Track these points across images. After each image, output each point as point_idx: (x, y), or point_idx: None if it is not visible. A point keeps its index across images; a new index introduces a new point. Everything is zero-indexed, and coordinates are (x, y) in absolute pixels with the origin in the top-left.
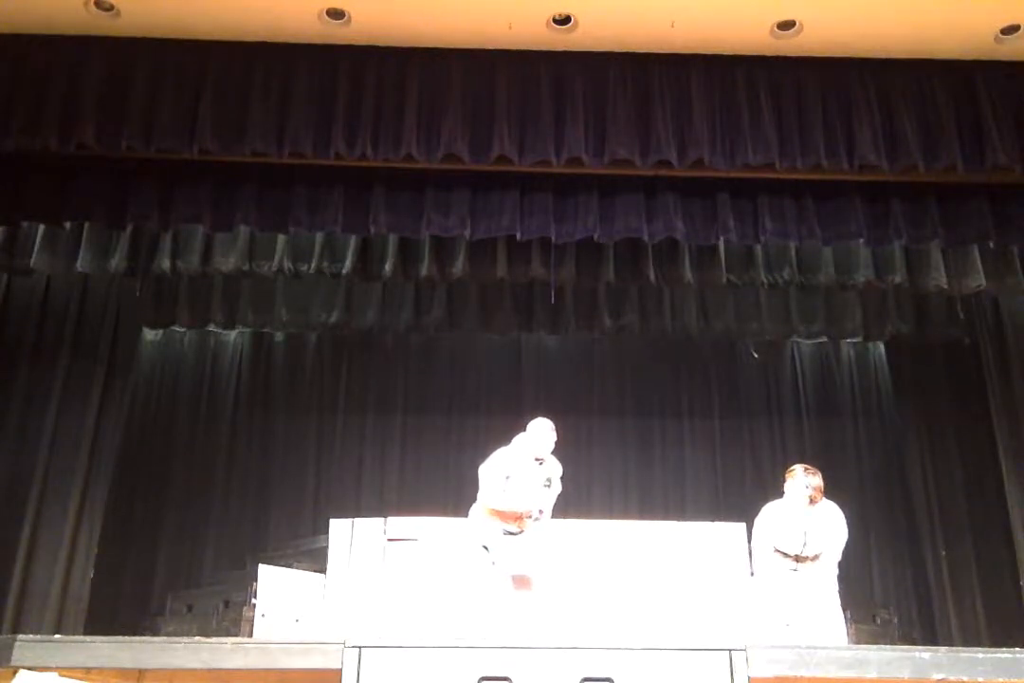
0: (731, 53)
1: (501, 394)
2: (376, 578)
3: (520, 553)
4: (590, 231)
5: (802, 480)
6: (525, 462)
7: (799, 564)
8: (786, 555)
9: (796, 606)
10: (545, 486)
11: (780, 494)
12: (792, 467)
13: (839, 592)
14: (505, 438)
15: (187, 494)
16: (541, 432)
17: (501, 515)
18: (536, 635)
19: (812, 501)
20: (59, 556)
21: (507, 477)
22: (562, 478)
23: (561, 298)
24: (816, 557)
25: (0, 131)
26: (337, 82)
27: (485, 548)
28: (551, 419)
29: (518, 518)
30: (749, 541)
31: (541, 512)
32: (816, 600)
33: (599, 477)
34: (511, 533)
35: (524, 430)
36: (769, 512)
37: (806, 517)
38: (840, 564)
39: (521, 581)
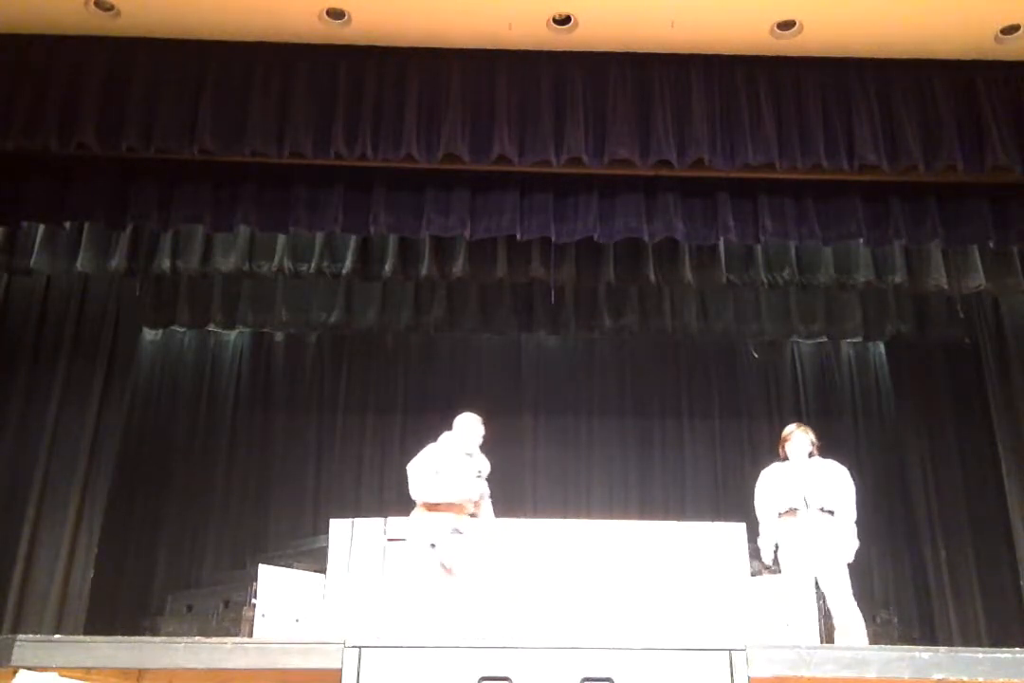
0: (731, 53)
1: (501, 394)
2: (376, 578)
3: (466, 551)
4: (590, 231)
5: (803, 437)
6: (454, 456)
7: (804, 521)
8: (790, 513)
9: (803, 563)
10: (477, 477)
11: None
12: (786, 431)
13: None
14: (506, 438)
15: (187, 494)
16: (470, 426)
17: (440, 509)
18: (536, 635)
19: (812, 454)
20: (59, 556)
21: (436, 472)
22: (560, 478)
23: (561, 298)
24: (828, 512)
25: (0, 131)
26: (337, 82)
27: (432, 546)
28: (551, 419)
29: (460, 511)
30: (749, 541)
31: (477, 503)
32: (827, 557)
33: (599, 477)
34: (458, 531)
35: (451, 428)
36: (767, 475)
37: (804, 473)
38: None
39: (468, 578)
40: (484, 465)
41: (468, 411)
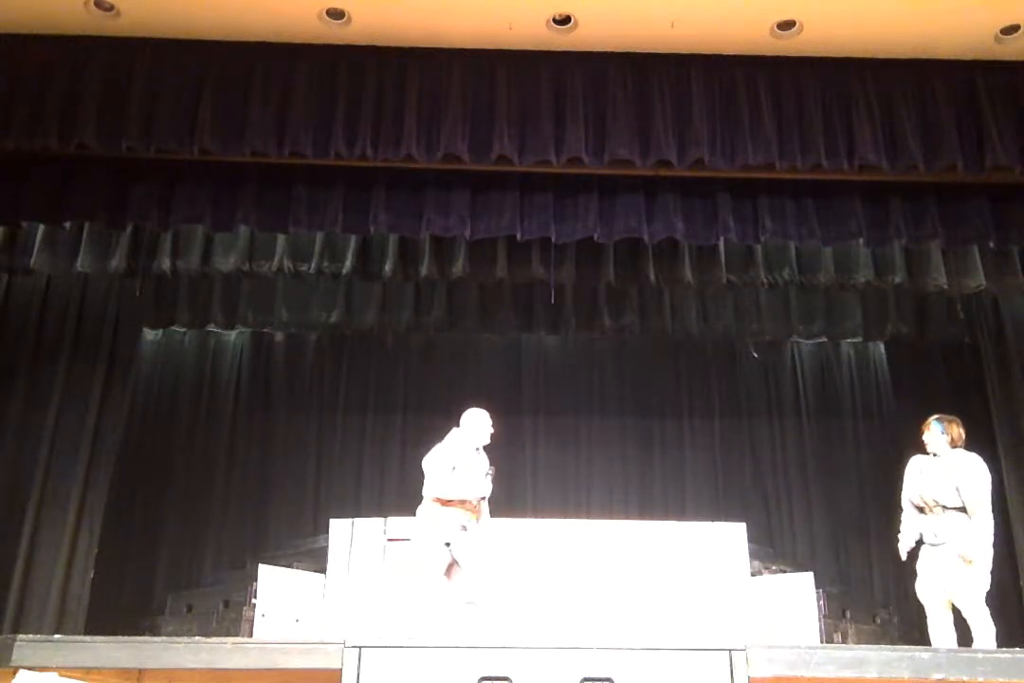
0: (731, 53)
1: (501, 394)
2: (376, 578)
3: (476, 548)
4: (590, 231)
5: (936, 428)
6: (468, 452)
7: (930, 515)
8: (924, 509)
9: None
10: (488, 474)
11: (778, 493)
12: (928, 420)
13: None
14: (506, 438)
15: (187, 494)
16: (482, 422)
17: (452, 505)
18: (536, 635)
19: (953, 444)
20: (59, 556)
21: (453, 468)
22: (560, 478)
23: (561, 298)
24: (954, 509)
25: (0, 131)
26: (337, 82)
27: (447, 544)
28: (551, 419)
29: (471, 508)
30: (749, 540)
31: (483, 499)
32: (949, 558)
33: (599, 477)
34: (465, 528)
35: (458, 424)
36: (909, 466)
37: (937, 467)
38: (842, 564)
39: (476, 576)
40: (490, 467)
41: (475, 407)
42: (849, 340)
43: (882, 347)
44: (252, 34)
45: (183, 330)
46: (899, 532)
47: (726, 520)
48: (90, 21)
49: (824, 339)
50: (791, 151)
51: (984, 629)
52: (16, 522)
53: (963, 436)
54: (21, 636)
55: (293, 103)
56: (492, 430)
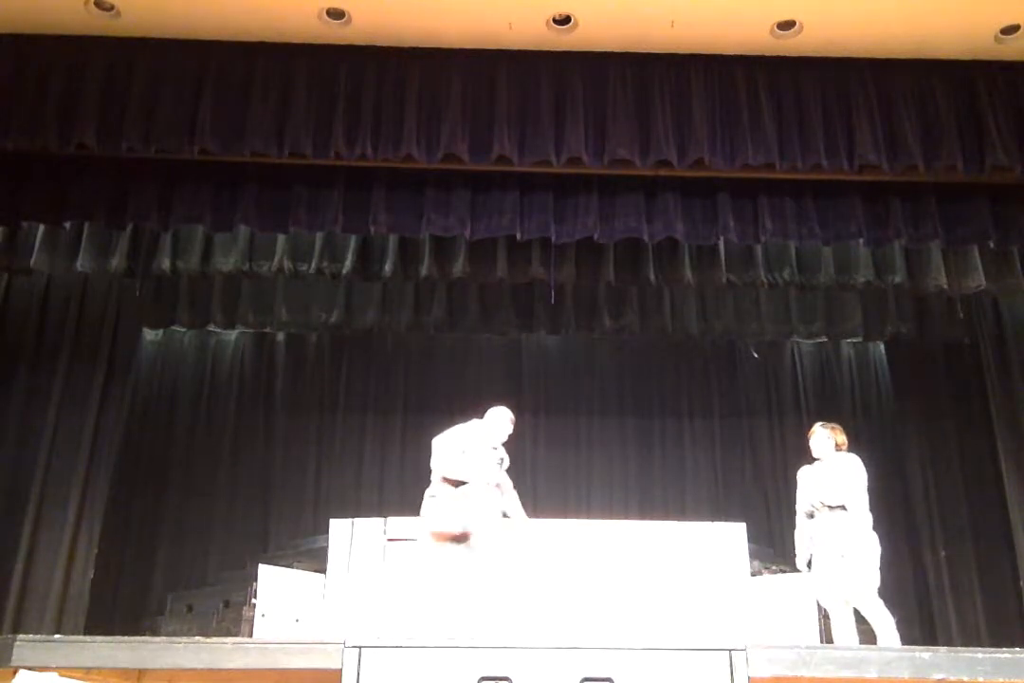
0: (731, 53)
1: (501, 394)
2: (376, 578)
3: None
4: (590, 231)
5: (821, 433)
6: (480, 443)
7: (818, 517)
8: (813, 515)
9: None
10: (498, 464)
11: (778, 493)
12: (812, 427)
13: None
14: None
15: (187, 494)
16: (501, 421)
17: (454, 485)
18: (536, 635)
19: (838, 449)
20: (59, 556)
21: (463, 451)
22: (560, 478)
23: (561, 298)
24: (838, 508)
25: (0, 131)
26: (337, 82)
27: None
28: (551, 419)
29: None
30: (749, 541)
31: (498, 485)
32: (840, 556)
33: (599, 477)
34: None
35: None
36: (799, 476)
37: (820, 472)
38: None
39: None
40: (505, 458)
41: (502, 406)
42: (849, 340)
43: (882, 347)
44: (252, 34)
45: (183, 330)
46: (794, 544)
47: (726, 520)
48: (90, 21)
49: (824, 339)
50: (791, 151)
51: (883, 623)
52: (16, 522)
53: (846, 442)
54: (21, 636)
55: (293, 103)
56: (510, 430)
